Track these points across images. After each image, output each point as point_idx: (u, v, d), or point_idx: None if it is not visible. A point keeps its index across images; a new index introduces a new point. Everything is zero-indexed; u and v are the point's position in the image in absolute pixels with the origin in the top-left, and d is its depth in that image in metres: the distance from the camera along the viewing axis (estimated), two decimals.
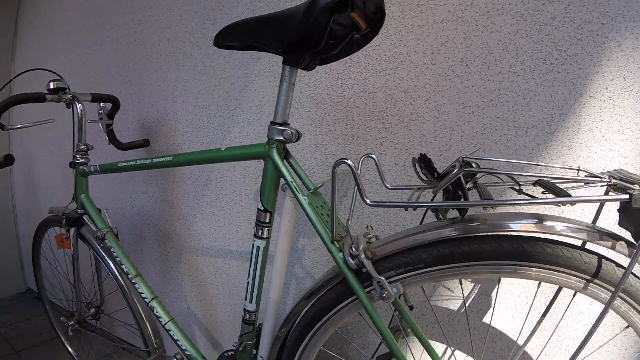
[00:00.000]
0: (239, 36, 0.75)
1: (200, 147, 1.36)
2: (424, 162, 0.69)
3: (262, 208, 0.81)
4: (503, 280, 0.93)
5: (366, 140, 1.02)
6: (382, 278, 0.68)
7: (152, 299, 1.08)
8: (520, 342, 0.93)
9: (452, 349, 1.03)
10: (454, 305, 1.00)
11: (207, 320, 1.54)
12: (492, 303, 0.95)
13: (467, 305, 0.99)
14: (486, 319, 0.96)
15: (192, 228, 1.47)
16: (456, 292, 0.99)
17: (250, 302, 0.88)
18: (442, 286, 1.00)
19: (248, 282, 0.87)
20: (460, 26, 0.87)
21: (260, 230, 0.83)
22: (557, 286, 0.77)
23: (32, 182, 2.39)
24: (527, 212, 0.84)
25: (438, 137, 0.92)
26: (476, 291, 0.96)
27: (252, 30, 0.72)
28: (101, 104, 1.31)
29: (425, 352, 0.76)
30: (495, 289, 0.94)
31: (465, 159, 0.63)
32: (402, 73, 0.95)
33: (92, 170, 1.16)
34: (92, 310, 1.45)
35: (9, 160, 1.07)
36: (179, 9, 1.36)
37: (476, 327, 0.98)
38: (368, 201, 0.65)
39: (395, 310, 0.88)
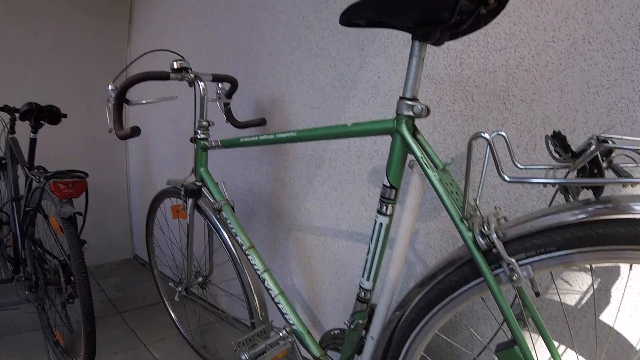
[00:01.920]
0: (367, 13, 0.74)
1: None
2: (558, 139, 0.65)
3: (388, 184, 0.80)
4: (623, 274, 0.86)
5: (487, 121, 0.98)
6: (513, 260, 0.66)
7: (264, 271, 1.11)
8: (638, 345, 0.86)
9: (565, 347, 0.96)
10: (571, 300, 0.94)
11: (310, 298, 1.58)
12: (611, 299, 0.88)
13: (584, 301, 0.92)
14: (603, 317, 0.90)
15: (302, 206, 1.50)
16: (574, 286, 0.93)
17: (367, 279, 0.88)
18: (561, 279, 0.94)
19: (367, 260, 0.87)
20: (580, 1, 0.82)
21: (385, 207, 0.82)
22: None
23: (146, 157, 2.57)
24: None
25: (562, 118, 0.87)
26: (595, 286, 0.90)
27: (383, 6, 0.71)
28: (220, 84, 1.38)
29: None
30: (616, 283, 0.87)
31: (599, 136, 0.59)
32: (523, 51, 0.90)
33: (214, 145, 1.22)
34: (200, 279, 1.53)
35: (135, 131, 1.12)
36: None
37: (591, 325, 0.92)
38: (506, 177, 0.63)
39: (515, 297, 0.84)
